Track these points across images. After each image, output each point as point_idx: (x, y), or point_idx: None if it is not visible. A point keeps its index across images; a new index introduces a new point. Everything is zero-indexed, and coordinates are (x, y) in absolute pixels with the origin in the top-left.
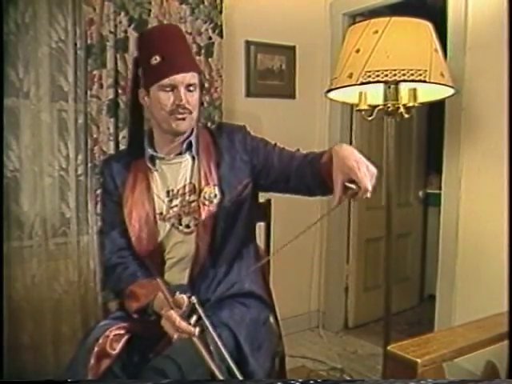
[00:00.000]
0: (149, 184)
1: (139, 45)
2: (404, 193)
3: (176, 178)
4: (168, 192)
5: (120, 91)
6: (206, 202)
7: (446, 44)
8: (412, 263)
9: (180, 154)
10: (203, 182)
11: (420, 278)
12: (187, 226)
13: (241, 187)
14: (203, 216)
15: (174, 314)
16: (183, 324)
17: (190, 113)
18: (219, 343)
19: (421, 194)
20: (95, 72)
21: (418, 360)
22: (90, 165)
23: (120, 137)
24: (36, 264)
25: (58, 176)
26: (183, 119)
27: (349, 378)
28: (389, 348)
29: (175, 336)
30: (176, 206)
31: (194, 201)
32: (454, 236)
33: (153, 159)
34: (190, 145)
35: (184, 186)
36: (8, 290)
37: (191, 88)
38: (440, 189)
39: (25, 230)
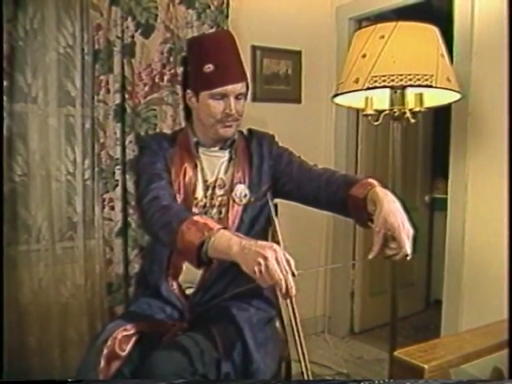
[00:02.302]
0: (195, 168)
1: (191, 49)
2: (410, 197)
3: (212, 171)
4: (205, 181)
5: (127, 96)
6: (237, 200)
7: (453, 49)
8: (418, 268)
9: (221, 148)
10: (236, 181)
11: (426, 282)
12: (211, 218)
13: (264, 188)
14: (231, 212)
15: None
16: (290, 279)
17: (237, 120)
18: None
19: (427, 198)
20: (102, 77)
21: (425, 366)
22: (96, 169)
23: (127, 141)
24: (43, 268)
25: (65, 180)
26: (230, 126)
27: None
28: (395, 353)
29: (283, 288)
30: (207, 196)
31: (221, 195)
32: (461, 241)
33: (197, 146)
34: (231, 143)
35: (216, 180)
36: (15, 294)
37: (239, 97)
38: (446, 193)
39: (32, 234)
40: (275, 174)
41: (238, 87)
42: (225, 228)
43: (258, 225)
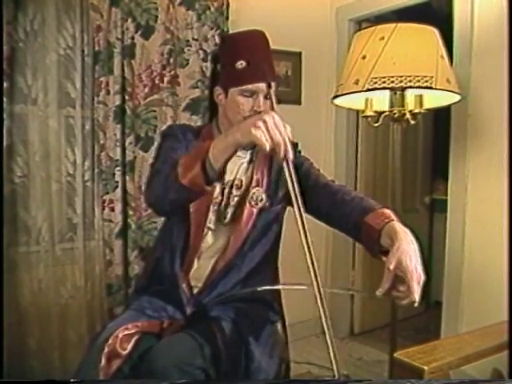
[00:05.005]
0: None
1: (224, 45)
2: (410, 199)
3: (231, 170)
4: (223, 180)
5: (127, 97)
6: (253, 203)
7: (452, 50)
8: None
9: (243, 149)
10: (254, 183)
11: (426, 284)
12: (224, 218)
13: (281, 195)
14: (245, 214)
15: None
16: (288, 143)
17: None
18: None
19: (427, 199)
20: (102, 78)
21: (425, 367)
22: (96, 170)
23: (127, 143)
24: (43, 269)
25: (65, 182)
26: None
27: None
28: (395, 355)
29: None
30: (223, 195)
31: (237, 196)
32: (461, 242)
33: None
34: (254, 145)
35: (234, 180)
36: (15, 295)
37: (268, 96)
38: (446, 195)
39: (32, 236)
40: None
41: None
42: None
43: (272, 231)
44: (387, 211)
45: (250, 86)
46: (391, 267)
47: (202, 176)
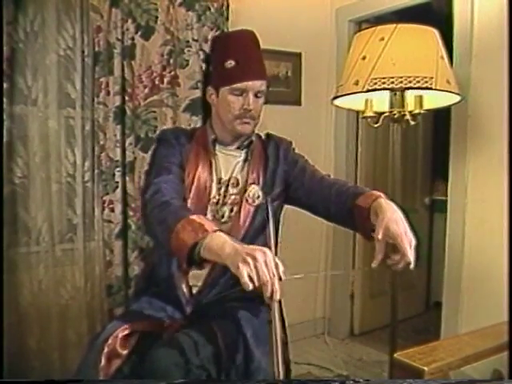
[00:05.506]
0: (211, 165)
1: (214, 46)
2: (410, 199)
3: (227, 169)
4: (219, 179)
5: (127, 98)
6: (250, 200)
7: (452, 51)
8: (418, 270)
9: (238, 148)
10: (250, 181)
11: (426, 284)
12: (222, 216)
13: (277, 192)
14: (243, 212)
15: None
16: (276, 283)
17: (254, 119)
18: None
19: (427, 200)
20: (102, 79)
21: (425, 368)
22: (96, 171)
23: (127, 143)
24: (43, 270)
25: (65, 182)
26: (248, 123)
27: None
28: (395, 356)
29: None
30: (220, 194)
31: (234, 194)
32: (460, 242)
33: (214, 143)
34: (248, 144)
35: (230, 178)
36: (15, 296)
37: (259, 95)
38: (446, 195)
39: (32, 236)
40: (288, 178)
41: (258, 84)
42: (221, 230)
43: (266, 234)
44: (376, 192)
45: (239, 85)
46: (380, 236)
47: (186, 254)
